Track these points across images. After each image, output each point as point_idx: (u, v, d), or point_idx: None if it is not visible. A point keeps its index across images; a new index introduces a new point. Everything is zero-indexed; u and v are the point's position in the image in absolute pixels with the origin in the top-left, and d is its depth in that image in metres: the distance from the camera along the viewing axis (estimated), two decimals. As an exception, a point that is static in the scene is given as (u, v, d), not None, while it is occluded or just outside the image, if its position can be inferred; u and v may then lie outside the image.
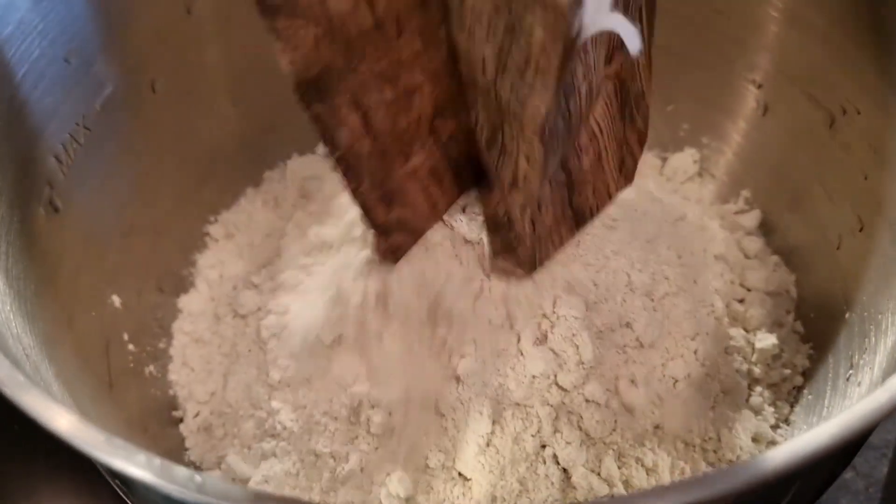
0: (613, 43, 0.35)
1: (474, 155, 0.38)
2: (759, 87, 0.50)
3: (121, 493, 0.33)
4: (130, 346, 0.45)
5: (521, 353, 0.39)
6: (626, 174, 0.42)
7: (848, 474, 0.50)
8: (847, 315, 0.43)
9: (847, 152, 0.44)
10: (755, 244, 0.49)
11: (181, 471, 0.22)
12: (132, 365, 0.45)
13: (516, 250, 0.39)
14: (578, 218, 0.41)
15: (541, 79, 0.32)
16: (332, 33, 0.31)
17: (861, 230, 0.43)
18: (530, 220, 0.37)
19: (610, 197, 0.41)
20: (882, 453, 0.50)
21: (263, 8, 0.30)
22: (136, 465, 0.22)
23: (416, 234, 0.40)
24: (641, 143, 0.41)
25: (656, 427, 0.40)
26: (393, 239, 0.39)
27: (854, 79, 0.43)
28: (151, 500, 0.30)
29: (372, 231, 0.38)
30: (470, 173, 0.39)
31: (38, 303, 0.37)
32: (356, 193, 0.37)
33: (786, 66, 0.47)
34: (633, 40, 0.32)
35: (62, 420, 0.24)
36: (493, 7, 0.31)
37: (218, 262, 0.50)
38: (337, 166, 0.35)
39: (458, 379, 0.39)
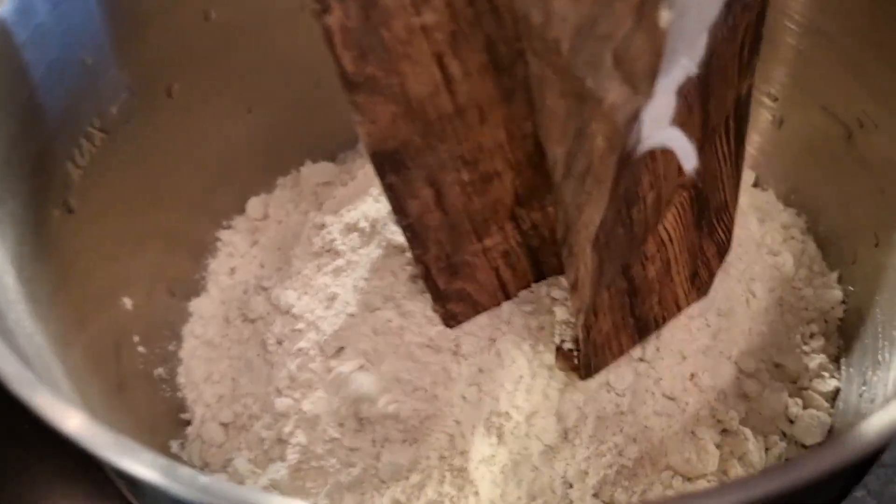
0: None
1: (558, 250, 0.38)
2: (775, 100, 0.49)
3: (129, 496, 0.33)
4: (141, 349, 0.45)
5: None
6: (700, 286, 0.40)
7: (859, 493, 0.49)
8: (861, 330, 0.43)
9: (864, 166, 0.44)
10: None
11: (185, 471, 0.22)
12: (142, 367, 0.45)
13: (573, 352, 0.39)
14: (641, 327, 0.39)
15: (597, 188, 0.32)
16: (410, 113, 0.32)
17: (877, 245, 0.43)
18: (584, 326, 0.37)
19: (679, 308, 0.40)
20: (893, 471, 0.50)
21: (345, 82, 0.31)
22: (141, 463, 0.22)
23: (476, 308, 0.40)
24: (721, 255, 0.40)
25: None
26: (450, 307, 0.39)
27: (872, 92, 0.43)
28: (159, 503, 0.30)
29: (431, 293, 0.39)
30: (553, 265, 0.40)
31: (50, 303, 0.37)
32: (419, 259, 0.37)
33: (802, 80, 0.47)
34: (687, 157, 0.32)
35: (69, 419, 0.24)
36: (566, 110, 0.31)
37: (229, 268, 0.51)
38: (403, 231, 0.36)
39: (463, 394, 0.39)
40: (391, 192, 0.35)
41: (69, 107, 0.41)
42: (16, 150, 0.38)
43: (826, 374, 0.43)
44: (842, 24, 0.43)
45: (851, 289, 0.45)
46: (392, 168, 0.34)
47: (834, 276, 0.46)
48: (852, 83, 0.44)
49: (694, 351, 0.40)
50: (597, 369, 0.39)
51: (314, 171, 0.54)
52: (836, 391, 0.43)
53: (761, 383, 0.42)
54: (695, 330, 0.41)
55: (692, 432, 0.39)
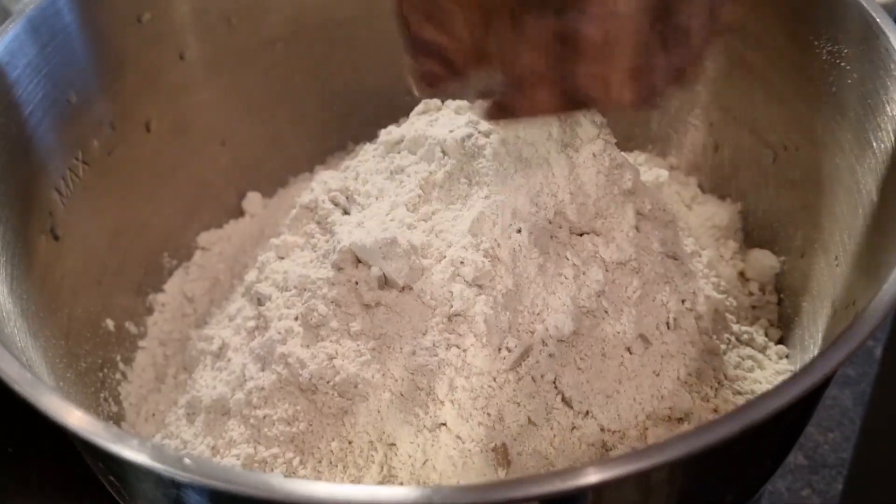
0: None
1: None
2: (711, 125, 0.53)
3: (115, 495, 0.35)
4: (122, 366, 0.48)
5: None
6: (640, 91, 0.34)
7: (804, 492, 0.52)
8: (791, 332, 0.46)
9: (789, 185, 0.48)
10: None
11: (171, 452, 0.25)
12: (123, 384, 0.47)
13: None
14: (567, 91, 0.34)
15: None
16: None
17: (802, 256, 0.47)
18: (502, 41, 0.33)
19: (610, 96, 0.34)
20: (837, 471, 0.53)
21: None
22: (130, 448, 0.25)
23: (449, 72, 0.35)
24: (672, 79, 0.34)
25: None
26: (425, 63, 0.35)
27: (793, 118, 0.47)
28: (144, 495, 0.32)
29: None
30: None
31: (39, 321, 0.40)
32: None
33: (732, 107, 0.51)
34: None
35: (61, 408, 0.27)
36: None
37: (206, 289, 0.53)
38: None
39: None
40: None
41: (55, 140, 0.44)
42: (5, 181, 0.40)
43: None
44: (764, 57, 0.47)
45: (782, 297, 0.49)
46: None
47: (768, 285, 0.50)
48: (775, 111, 0.48)
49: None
50: (514, 113, 0.36)
51: (283, 200, 0.57)
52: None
53: (701, 384, 0.45)
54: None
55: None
